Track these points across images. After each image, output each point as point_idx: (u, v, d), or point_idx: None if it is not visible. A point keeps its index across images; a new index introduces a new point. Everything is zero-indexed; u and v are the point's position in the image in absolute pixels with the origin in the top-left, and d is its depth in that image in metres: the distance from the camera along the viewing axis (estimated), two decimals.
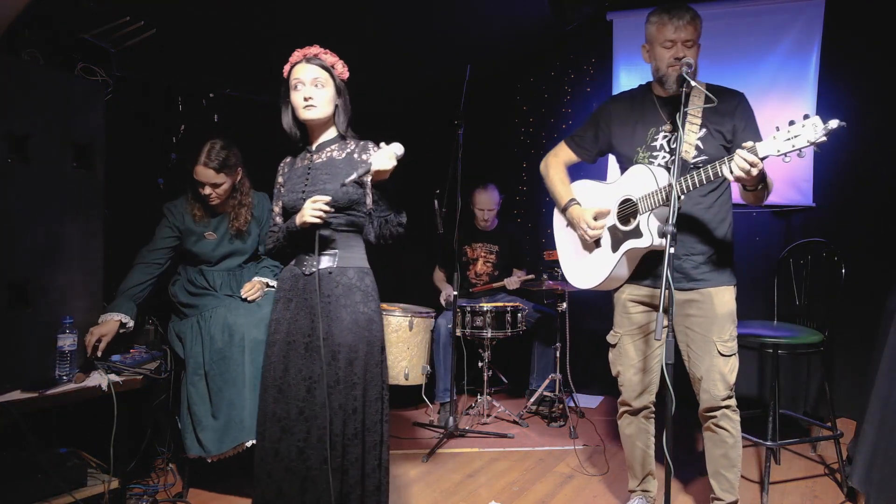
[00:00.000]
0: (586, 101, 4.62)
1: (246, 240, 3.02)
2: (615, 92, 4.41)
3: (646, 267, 2.43)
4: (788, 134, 1.91)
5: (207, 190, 2.86)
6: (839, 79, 3.82)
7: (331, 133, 2.29)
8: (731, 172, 2.04)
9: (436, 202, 3.75)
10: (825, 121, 1.85)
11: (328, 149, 2.28)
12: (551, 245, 4.45)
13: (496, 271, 4.42)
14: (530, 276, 4.29)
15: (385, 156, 2.03)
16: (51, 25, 2.51)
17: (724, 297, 2.39)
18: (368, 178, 2.07)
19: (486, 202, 4.33)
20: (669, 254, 1.98)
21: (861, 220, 3.75)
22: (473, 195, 4.35)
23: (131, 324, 2.66)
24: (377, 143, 2.19)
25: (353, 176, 2.04)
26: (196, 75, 3.46)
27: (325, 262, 2.20)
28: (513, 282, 4.29)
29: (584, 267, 2.59)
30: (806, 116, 1.89)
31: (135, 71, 3.04)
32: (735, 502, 2.49)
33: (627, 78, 4.39)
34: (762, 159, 1.98)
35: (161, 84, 3.36)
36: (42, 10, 2.38)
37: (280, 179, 2.36)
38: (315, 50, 2.23)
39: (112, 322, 2.59)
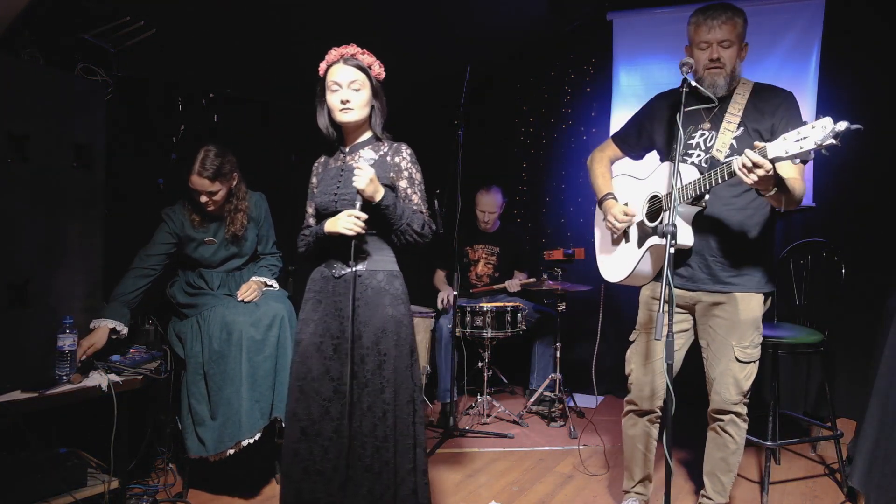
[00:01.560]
0: (586, 101, 4.62)
1: (243, 245, 3.02)
2: (615, 92, 4.43)
3: (673, 265, 2.40)
4: (798, 135, 1.85)
5: (203, 198, 2.84)
6: (839, 79, 3.81)
7: (366, 135, 2.28)
8: (740, 171, 1.99)
9: (436, 202, 3.75)
10: (835, 122, 1.77)
11: (361, 151, 2.25)
12: (551, 245, 4.48)
13: (497, 273, 4.41)
14: (531, 280, 4.28)
15: (356, 172, 2.06)
16: (51, 25, 2.51)
17: (750, 304, 2.35)
18: (359, 201, 2.10)
19: (488, 204, 4.32)
20: (670, 254, 1.97)
21: (861, 220, 3.75)
22: (476, 196, 4.34)
23: (125, 331, 2.63)
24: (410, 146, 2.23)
25: (357, 208, 2.09)
26: (196, 75, 3.46)
27: (355, 265, 2.19)
28: (514, 284, 4.29)
29: (613, 260, 2.61)
30: (818, 117, 1.82)
31: (135, 71, 3.04)
32: None
33: (627, 78, 4.39)
34: (772, 160, 1.92)
35: (161, 84, 3.36)
36: (42, 10, 2.38)
37: (314, 180, 2.35)
38: (352, 49, 2.20)
39: (103, 329, 2.56)
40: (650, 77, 4.29)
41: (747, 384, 2.36)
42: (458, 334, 3.85)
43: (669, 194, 2.27)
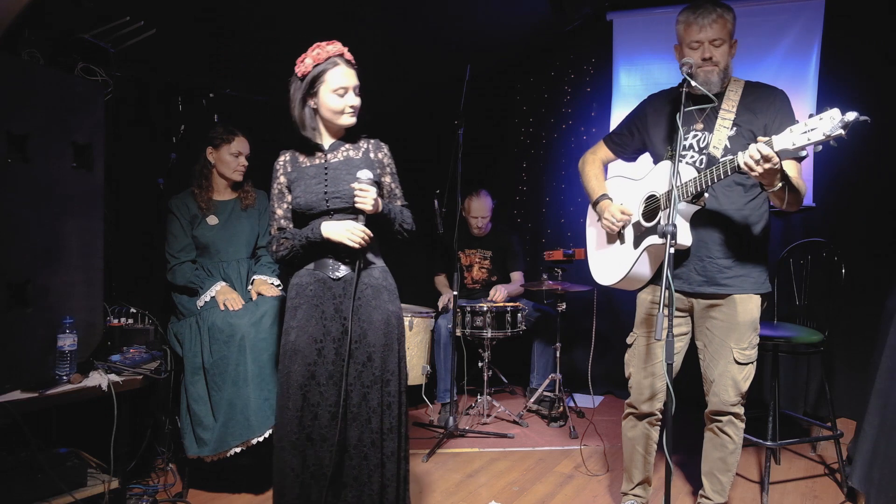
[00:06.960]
0: (586, 101, 4.62)
1: (243, 229, 3.07)
2: (615, 92, 4.43)
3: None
4: (805, 127, 1.83)
5: (243, 160, 3.03)
6: (839, 79, 3.81)
7: (343, 133, 2.31)
8: (746, 165, 1.97)
9: (436, 202, 3.75)
10: (843, 113, 1.76)
11: (342, 148, 2.28)
12: (551, 245, 4.47)
13: (494, 276, 4.40)
14: (518, 291, 4.22)
15: (359, 195, 2.12)
16: (51, 25, 2.50)
17: (748, 306, 2.33)
18: (363, 220, 2.17)
19: (481, 209, 4.28)
20: (669, 254, 1.96)
21: (861, 220, 3.75)
22: (466, 203, 4.27)
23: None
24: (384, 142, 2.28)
25: (360, 223, 2.15)
26: (196, 75, 3.46)
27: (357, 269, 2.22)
28: (499, 295, 4.15)
29: (607, 263, 2.59)
30: (825, 109, 1.80)
31: (135, 71, 3.04)
32: None
33: (627, 78, 4.39)
34: (778, 153, 1.90)
35: (161, 84, 3.36)
36: (42, 10, 2.38)
37: (282, 179, 2.30)
38: (340, 48, 2.20)
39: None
40: (650, 77, 4.29)
41: (745, 385, 2.35)
42: (457, 334, 3.84)
43: (669, 192, 2.26)
